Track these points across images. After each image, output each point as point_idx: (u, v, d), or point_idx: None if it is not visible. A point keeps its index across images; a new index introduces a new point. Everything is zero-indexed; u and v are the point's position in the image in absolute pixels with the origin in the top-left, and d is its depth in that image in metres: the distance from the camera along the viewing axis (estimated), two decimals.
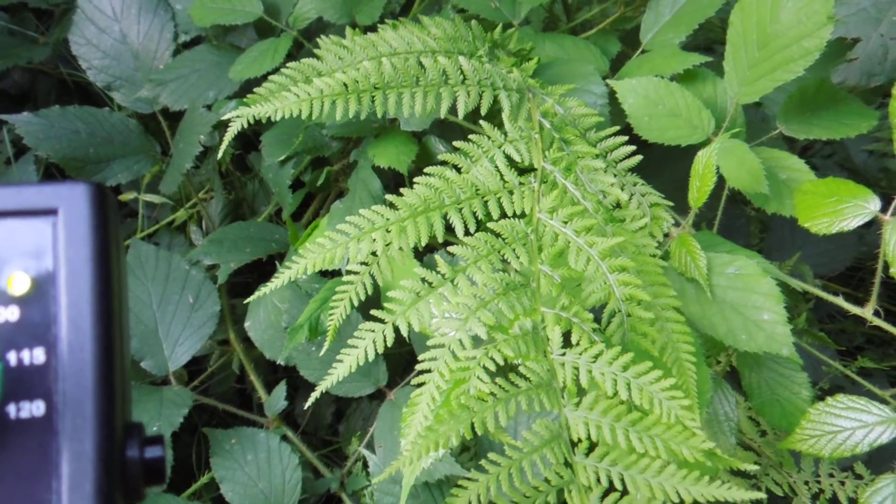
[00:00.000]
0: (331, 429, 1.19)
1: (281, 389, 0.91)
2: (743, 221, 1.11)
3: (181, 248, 1.16)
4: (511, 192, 0.55)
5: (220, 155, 0.64)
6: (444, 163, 0.58)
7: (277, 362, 0.87)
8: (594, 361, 0.44)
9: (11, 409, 0.27)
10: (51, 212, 0.29)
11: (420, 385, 0.46)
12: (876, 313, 0.62)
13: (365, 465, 0.89)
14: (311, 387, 0.87)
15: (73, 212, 0.29)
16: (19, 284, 0.28)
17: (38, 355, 0.28)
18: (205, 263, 0.92)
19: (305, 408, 0.63)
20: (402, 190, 0.53)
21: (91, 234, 0.28)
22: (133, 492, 0.28)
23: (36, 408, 0.27)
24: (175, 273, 0.90)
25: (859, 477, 0.76)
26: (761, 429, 0.78)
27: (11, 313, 0.28)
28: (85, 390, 0.27)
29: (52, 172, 1.21)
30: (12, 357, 0.27)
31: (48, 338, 0.28)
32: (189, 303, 0.89)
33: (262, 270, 1.19)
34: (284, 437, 0.89)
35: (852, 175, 1.36)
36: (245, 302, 0.75)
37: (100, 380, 0.27)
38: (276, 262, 1.09)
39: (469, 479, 0.42)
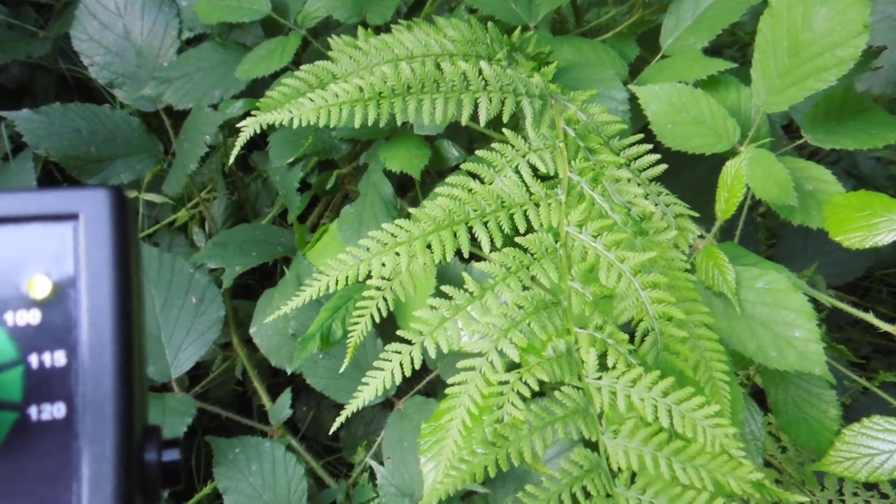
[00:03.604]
0: (331, 433, 1.17)
1: (286, 397, 0.89)
2: (752, 228, 1.10)
3: (182, 248, 1.14)
4: (537, 205, 0.53)
5: (231, 161, 0.62)
6: (458, 168, 0.56)
7: (283, 369, 0.85)
8: (632, 386, 0.42)
9: (33, 411, 0.27)
10: (72, 216, 0.29)
11: (447, 404, 0.44)
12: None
13: (371, 476, 0.87)
14: (312, 389, 0.85)
15: (93, 216, 0.29)
16: (41, 288, 0.28)
17: (59, 358, 0.28)
18: (209, 267, 0.89)
19: (330, 433, 0.61)
20: (424, 202, 0.51)
21: (111, 238, 0.29)
22: (151, 494, 0.29)
23: (57, 410, 0.28)
24: (178, 276, 0.88)
25: (885, 496, 0.74)
26: (781, 445, 0.77)
27: (33, 316, 0.28)
28: (105, 393, 0.28)
29: (49, 169, 1.19)
30: (34, 359, 0.28)
31: (69, 341, 0.28)
32: (193, 307, 0.87)
33: (265, 272, 1.16)
34: (289, 447, 0.87)
35: (859, 182, 1.35)
36: (263, 321, 0.72)
37: (119, 383, 0.28)
38: (280, 264, 1.07)
39: None
